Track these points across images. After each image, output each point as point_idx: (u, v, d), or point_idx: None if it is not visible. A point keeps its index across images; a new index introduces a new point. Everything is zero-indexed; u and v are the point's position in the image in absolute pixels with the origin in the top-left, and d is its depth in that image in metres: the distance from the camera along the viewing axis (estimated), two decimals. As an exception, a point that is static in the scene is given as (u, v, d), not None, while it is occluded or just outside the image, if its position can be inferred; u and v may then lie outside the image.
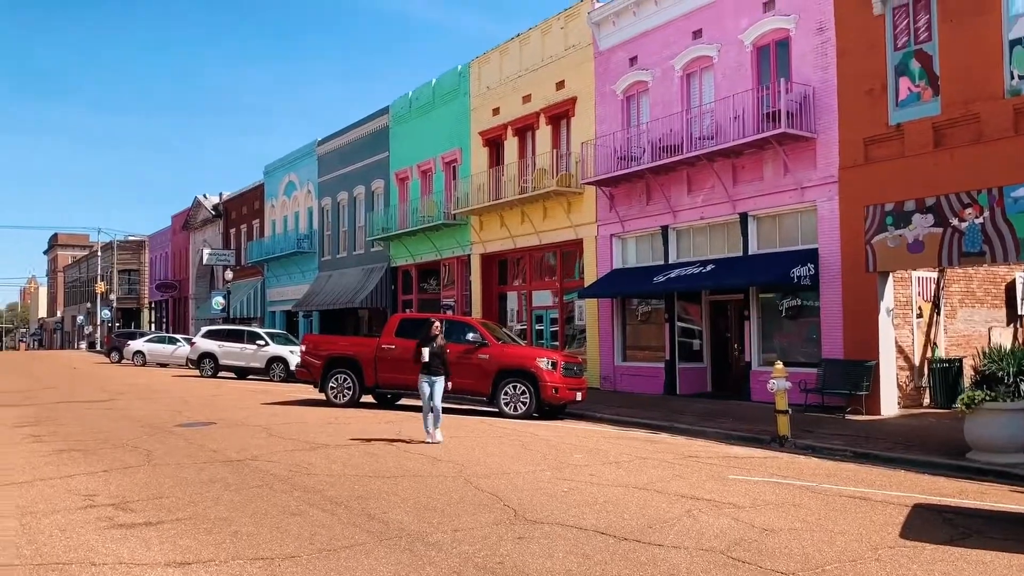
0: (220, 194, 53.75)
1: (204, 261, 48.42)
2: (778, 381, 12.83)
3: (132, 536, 6.53)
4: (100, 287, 65.81)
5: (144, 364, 36.75)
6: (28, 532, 6.64)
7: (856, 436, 13.21)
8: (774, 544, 6.31)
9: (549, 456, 10.89)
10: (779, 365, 13.10)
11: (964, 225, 14.68)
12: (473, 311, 28.20)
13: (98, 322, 66.23)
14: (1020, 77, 14.10)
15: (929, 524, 7.09)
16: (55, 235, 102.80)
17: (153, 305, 68.12)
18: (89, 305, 73.83)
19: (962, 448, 11.29)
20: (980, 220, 14.46)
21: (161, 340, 39.08)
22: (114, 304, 66.94)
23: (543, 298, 26.48)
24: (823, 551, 6.15)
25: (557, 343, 25.18)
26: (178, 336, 40.60)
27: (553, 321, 25.92)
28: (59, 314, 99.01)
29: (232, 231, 51.10)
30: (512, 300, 28.06)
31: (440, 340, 12.35)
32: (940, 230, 15.01)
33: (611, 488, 8.60)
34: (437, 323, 12.64)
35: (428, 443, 11.64)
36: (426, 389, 11.96)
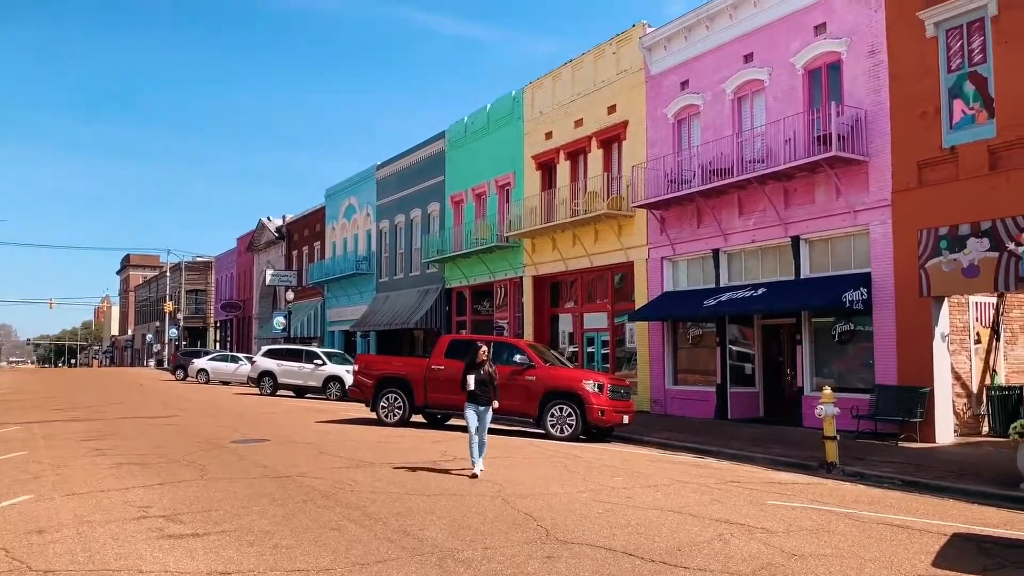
0: (283, 216, 55.21)
1: (267, 282, 49.68)
2: (826, 407, 12.70)
3: (179, 546, 6.85)
4: (168, 306, 67.96)
5: (207, 382, 37.83)
6: (83, 540, 7.02)
7: (907, 464, 12.96)
8: (801, 569, 6.32)
9: (589, 478, 10.98)
10: (827, 391, 12.96)
11: (1021, 249, 14.35)
12: (525, 333, 28.40)
13: (166, 340, 68.36)
14: (1079, 98, 13.79)
15: (964, 554, 7.00)
16: (127, 256, 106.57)
17: (218, 324, 70.03)
18: (158, 324, 76.29)
19: (1017, 479, 11.00)
20: (1038, 244, 14.12)
21: (224, 359, 40.18)
22: (181, 323, 69.03)
23: (595, 320, 26.54)
24: (848, 577, 6.14)
25: (608, 366, 25.18)
26: (240, 355, 41.69)
27: (604, 343, 25.94)
28: (130, 332, 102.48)
29: (294, 253, 52.38)
30: (564, 322, 28.18)
31: (488, 366, 11.36)
32: (996, 254, 14.69)
33: (646, 511, 8.66)
34: (484, 348, 11.56)
35: (473, 473, 10.85)
36: (472, 419, 11.16)
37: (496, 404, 11.44)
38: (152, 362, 73.26)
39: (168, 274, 73.03)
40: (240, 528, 7.54)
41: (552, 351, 20.91)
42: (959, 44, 15.55)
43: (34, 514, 8.09)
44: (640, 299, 23.39)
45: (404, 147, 45.65)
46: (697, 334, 22.10)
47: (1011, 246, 14.49)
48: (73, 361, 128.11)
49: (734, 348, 20.92)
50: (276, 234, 54.73)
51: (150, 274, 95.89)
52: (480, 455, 11.11)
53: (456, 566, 6.32)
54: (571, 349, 27.28)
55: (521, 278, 29.23)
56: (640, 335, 23.62)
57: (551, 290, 28.72)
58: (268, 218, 56.95)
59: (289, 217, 54.16)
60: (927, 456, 13.87)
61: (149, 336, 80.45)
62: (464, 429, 18.56)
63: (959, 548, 7.21)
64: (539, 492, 9.71)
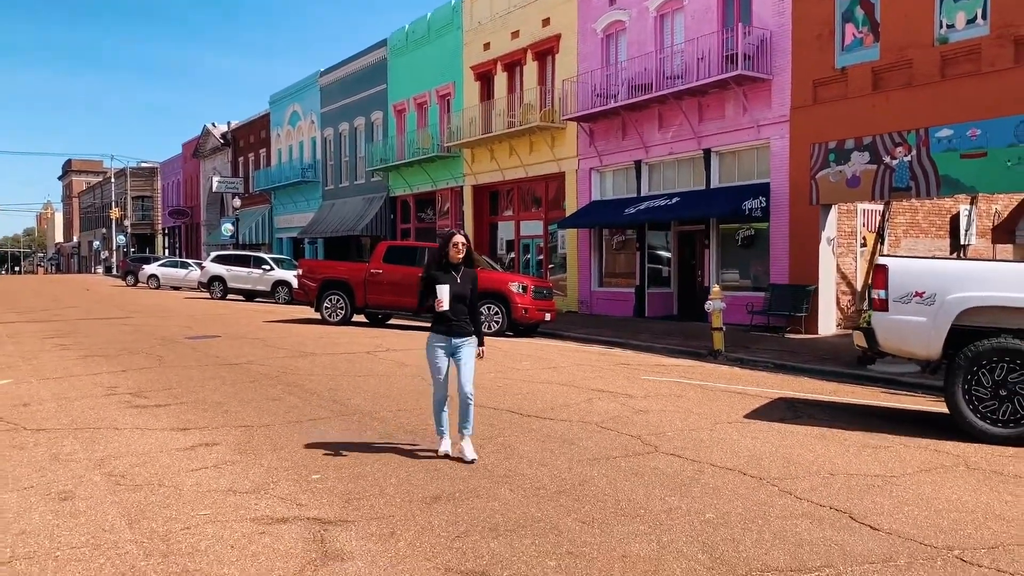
0: (228, 123, 55.08)
1: (214, 188, 50.07)
2: (714, 302, 14.49)
3: (146, 412, 8.36)
4: (115, 213, 67.68)
5: (158, 287, 38.80)
6: (64, 409, 8.49)
7: (783, 351, 14.93)
8: (640, 420, 8.09)
9: (501, 363, 12.69)
10: (716, 288, 14.75)
11: (895, 163, 16.11)
12: (466, 239, 29.78)
13: (113, 247, 68.35)
14: (948, 27, 15.34)
15: (775, 409, 8.88)
16: (69, 161, 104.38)
17: (166, 231, 70.11)
18: (104, 231, 75.90)
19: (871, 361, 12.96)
20: (908, 158, 15.89)
21: (174, 264, 41.06)
22: (128, 230, 68.93)
23: (531, 228, 28.07)
24: (674, 424, 7.93)
25: (543, 270, 26.87)
26: (190, 261, 42.56)
27: (539, 250, 27.57)
28: (75, 239, 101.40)
29: (240, 159, 52.57)
30: (503, 229, 29.65)
31: (468, 270, 6.57)
32: (874, 166, 16.44)
33: (538, 384, 10.41)
34: (461, 238, 6.50)
35: (442, 452, 6.56)
36: (441, 361, 6.45)
37: (482, 352, 6.62)
38: (100, 269, 73.28)
39: (113, 180, 72.29)
40: (196, 400, 9.06)
41: (484, 257, 22.47)
42: (853, -29, 16.87)
43: (16, 393, 9.50)
44: (571, 208, 24.92)
45: (348, 54, 45.76)
46: (620, 240, 23.81)
47: (887, 159, 16.23)
48: (17, 269, 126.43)
49: (653, 252, 22.70)
50: (221, 140, 54.69)
51: (94, 180, 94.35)
52: (468, 430, 6.49)
53: (372, 421, 7.96)
54: (510, 255, 28.87)
55: (462, 187, 30.49)
56: (570, 241, 25.25)
57: (490, 199, 30.07)
58: (213, 124, 56.70)
59: (234, 123, 54.08)
60: (805, 345, 15.89)
61: (96, 243, 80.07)
62: (405, 327, 20.38)
63: (774, 406, 9.08)
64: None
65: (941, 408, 8.80)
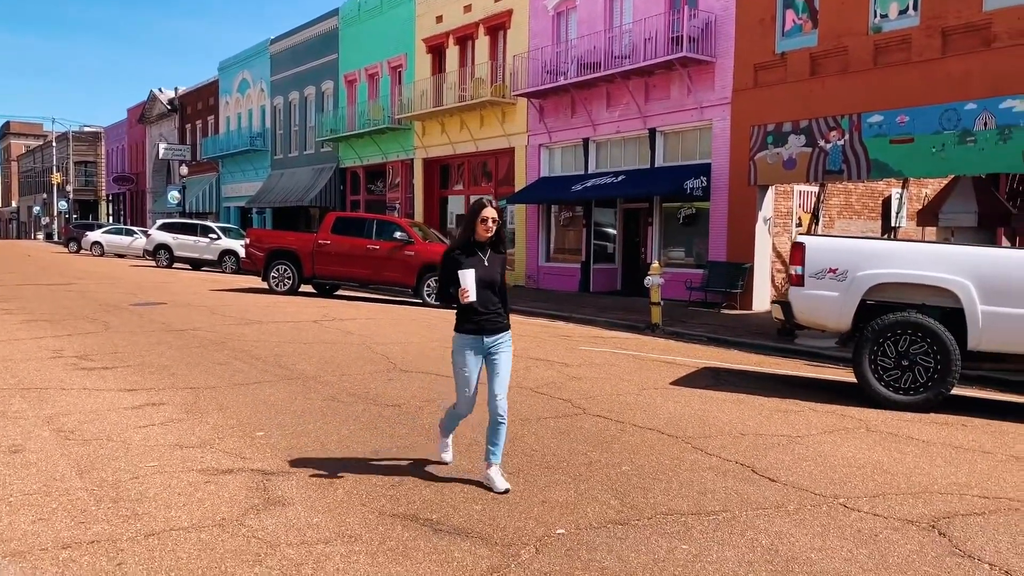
0: (175, 89, 54.05)
1: (160, 155, 49.22)
2: (652, 278, 15.02)
3: (93, 374, 8.55)
4: (56, 178, 66.05)
5: (102, 254, 38.20)
6: (10, 370, 8.62)
7: (718, 325, 15.55)
8: (572, 385, 8.55)
9: (446, 333, 12.96)
10: (655, 264, 15.28)
11: (829, 146, 16.77)
12: (416, 213, 30.01)
13: (55, 213, 66.75)
14: (882, 16, 15.97)
15: (700, 377, 9.42)
16: (7, 123, 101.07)
17: (110, 197, 68.63)
18: (45, 196, 74.00)
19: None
20: (841, 142, 16.55)
21: (119, 232, 40.41)
22: (71, 196, 67.35)
23: (480, 201, 28.28)
24: (604, 390, 8.41)
25: (490, 243, 27.20)
26: (135, 228, 41.91)
27: (488, 223, 27.83)
28: (14, 204, 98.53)
29: (188, 126, 51.70)
30: (454, 203, 29.88)
31: (497, 253, 5.28)
32: (810, 150, 17.09)
33: (480, 353, 10.79)
34: (491, 212, 5.14)
35: (447, 458, 5.62)
36: (472, 369, 5.18)
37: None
38: (41, 235, 71.53)
39: (54, 144, 70.44)
40: (142, 364, 9.26)
41: (434, 230, 22.72)
42: (795, -41, 17.40)
43: (-40, 355, 9.57)
44: (520, 183, 25.26)
45: (299, 22, 45.05)
46: (568, 216, 24.27)
47: (822, 142, 16.88)
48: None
49: (599, 229, 23.20)
50: (168, 107, 53.68)
51: (34, 144, 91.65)
52: (496, 458, 5.15)
53: (316, 385, 8.27)
54: (460, 230, 29.10)
55: (412, 160, 30.59)
56: (519, 216, 25.62)
57: (441, 172, 30.24)
58: (160, 90, 55.56)
59: (182, 89, 53.10)
60: (739, 320, 16.56)
61: (36, 208, 78.03)
62: (352, 298, 20.65)
63: (700, 375, 9.63)
64: (398, 341, 11.73)
65: (854, 378, 9.42)
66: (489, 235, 5.14)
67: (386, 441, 6.15)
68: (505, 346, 5.19)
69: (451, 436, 5.64)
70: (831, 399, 8.44)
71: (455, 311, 5.19)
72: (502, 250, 5.31)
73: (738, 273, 18.15)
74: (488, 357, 5.15)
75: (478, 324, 5.10)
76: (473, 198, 27.92)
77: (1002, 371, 8.95)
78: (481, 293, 5.03)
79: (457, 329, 5.20)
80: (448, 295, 5.16)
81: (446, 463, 5.56)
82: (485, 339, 5.12)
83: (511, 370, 5.27)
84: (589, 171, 22.71)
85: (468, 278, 4.93)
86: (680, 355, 11.51)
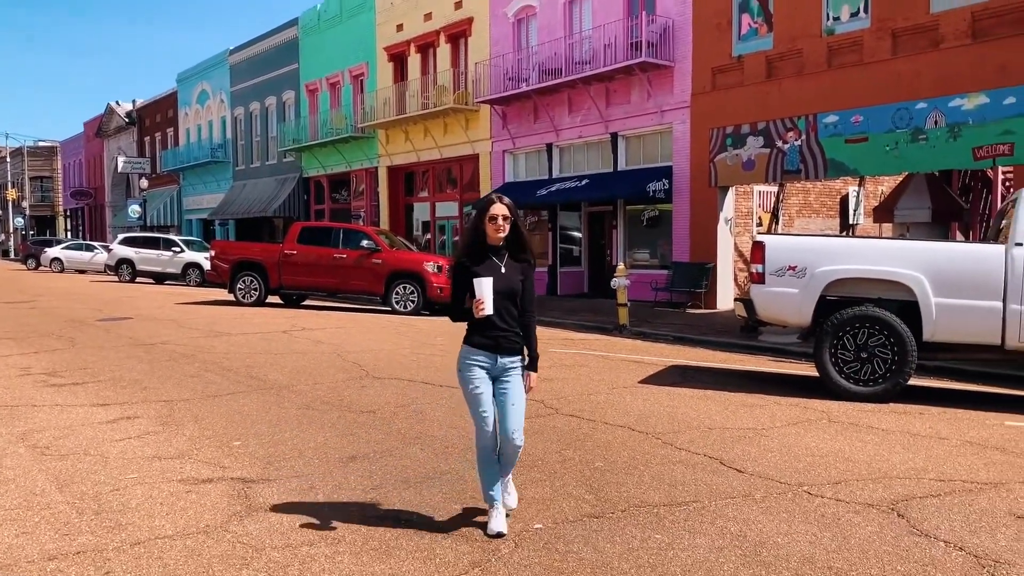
0: (133, 101, 53.39)
1: (119, 169, 48.60)
2: (618, 280, 15.26)
3: (63, 391, 8.52)
4: (11, 194, 64.85)
5: (62, 270, 37.63)
6: (-21, 388, 8.57)
7: (684, 325, 15.83)
8: (544, 387, 8.70)
9: (416, 339, 13.15)
10: (621, 266, 15.53)
11: (786, 147, 17.16)
12: (382, 221, 30.03)
13: (11, 230, 65.52)
14: (835, 19, 16.41)
15: (667, 375, 9.65)
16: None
17: (68, 213, 67.53)
18: (0, 213, 72.60)
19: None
20: (799, 142, 16.95)
21: (79, 247, 39.85)
22: (27, 211, 66.17)
23: (446, 209, 28.45)
24: (575, 390, 8.58)
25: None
26: (96, 243, 41.34)
27: (455, 231, 27.99)
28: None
29: (147, 139, 51.13)
30: (419, 211, 29.95)
31: (514, 258, 4.46)
32: (768, 151, 17.47)
33: (451, 358, 10.86)
34: (501, 208, 4.35)
35: (496, 532, 4.40)
36: (483, 389, 4.43)
37: (533, 380, 4.55)
38: (-3, 253, 70.16)
39: (8, 159, 69.17)
40: (113, 378, 9.24)
41: (400, 238, 22.79)
42: (748, -36, 17.80)
43: (-74, 375, 9.47)
44: (484, 189, 25.40)
45: (257, 32, 44.87)
46: (533, 221, 24.44)
47: (780, 143, 17.27)
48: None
49: (565, 233, 23.45)
50: (126, 119, 53.02)
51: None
52: (503, 490, 4.61)
53: (289, 394, 8.34)
54: (426, 236, 29.21)
55: (376, 168, 30.61)
56: (484, 221, 25.72)
57: (405, 180, 30.30)
58: (117, 102, 54.84)
59: (140, 102, 52.48)
60: (704, 319, 16.86)
61: (-9, 226, 76.49)
62: (320, 308, 20.68)
63: (668, 373, 9.85)
64: (370, 349, 11.81)
65: (816, 372, 9.69)
66: (501, 236, 4.34)
67: (363, 446, 6.25)
68: (519, 370, 4.45)
69: (499, 492, 4.48)
70: (794, 392, 8.69)
71: (468, 325, 4.45)
72: (525, 257, 4.45)
73: (702, 273, 18.47)
74: (498, 381, 4.41)
75: (495, 340, 4.37)
76: (439, 204, 28.40)
77: (956, 361, 9.29)
78: (499, 304, 4.32)
79: (466, 342, 4.45)
80: (461, 311, 4.42)
81: (498, 535, 4.34)
82: (500, 358, 4.40)
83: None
84: (553, 176, 22.95)
85: (485, 287, 4.24)
86: (648, 354, 11.73)
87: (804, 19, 16.77)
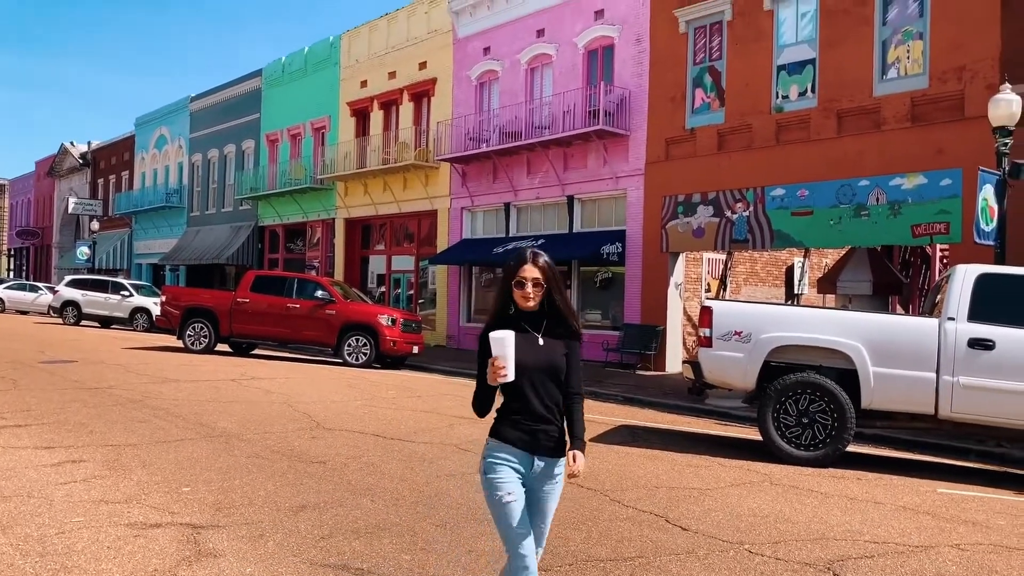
0: (88, 143, 52.87)
1: (70, 210, 47.87)
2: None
3: (5, 432, 8.36)
4: (-46, 231, 63.20)
5: (3, 311, 36.68)
6: (-83, 427, 8.36)
7: (633, 385, 16.07)
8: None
9: (367, 392, 13.15)
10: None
11: (735, 217, 17.71)
12: (337, 272, 30.01)
13: (-49, 267, 63.70)
14: (784, 97, 17.19)
15: (618, 434, 9.81)
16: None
17: (12, 252, 65.99)
18: (-60, 249, 70.60)
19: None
20: (747, 213, 17.51)
21: (22, 287, 38.97)
22: (-31, 249, 64.48)
23: (402, 263, 28.59)
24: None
25: (413, 305, 27.41)
26: (40, 284, 40.45)
27: (410, 284, 28.11)
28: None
29: (100, 181, 50.55)
30: (375, 263, 30.03)
31: (558, 327, 3.38)
32: (717, 220, 17.99)
33: (402, 411, 10.96)
34: (533, 271, 3.29)
35: None
36: (514, 496, 3.27)
37: (579, 465, 3.25)
38: (-66, 290, 68.00)
39: (-47, 196, 67.59)
40: (58, 421, 9.09)
41: (355, 290, 22.82)
42: (703, 41, 18.63)
43: None
44: (442, 244, 25.65)
45: (219, 82, 45.05)
46: (489, 278, 24.72)
47: (729, 213, 17.84)
48: None
49: (519, 291, 23.69)
50: (80, 160, 52.44)
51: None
52: None
53: (239, 443, 8.30)
54: (380, 289, 29.25)
55: (334, 220, 30.70)
56: (440, 277, 25.95)
57: (362, 232, 30.42)
58: (72, 143, 54.29)
59: (95, 143, 52.00)
60: (653, 380, 17.13)
61: (-71, 262, 74.23)
62: (270, 358, 20.47)
63: (617, 432, 10.02)
64: (320, 400, 11.78)
65: (759, 435, 9.95)
66: (531, 304, 3.32)
67: (313, 496, 6.27)
68: (560, 477, 3.37)
69: None
70: (738, 455, 8.92)
71: (497, 411, 3.41)
72: (568, 332, 3.38)
73: (652, 335, 18.81)
74: (532, 487, 3.34)
75: (531, 433, 3.29)
76: (395, 258, 28.56)
77: (892, 429, 9.62)
78: (537, 384, 3.28)
79: (493, 434, 3.37)
80: (487, 396, 3.36)
81: None
82: (537, 460, 3.31)
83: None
84: (510, 234, 23.29)
85: (507, 344, 3.18)
86: (598, 414, 11.89)
87: (755, 96, 17.53)
